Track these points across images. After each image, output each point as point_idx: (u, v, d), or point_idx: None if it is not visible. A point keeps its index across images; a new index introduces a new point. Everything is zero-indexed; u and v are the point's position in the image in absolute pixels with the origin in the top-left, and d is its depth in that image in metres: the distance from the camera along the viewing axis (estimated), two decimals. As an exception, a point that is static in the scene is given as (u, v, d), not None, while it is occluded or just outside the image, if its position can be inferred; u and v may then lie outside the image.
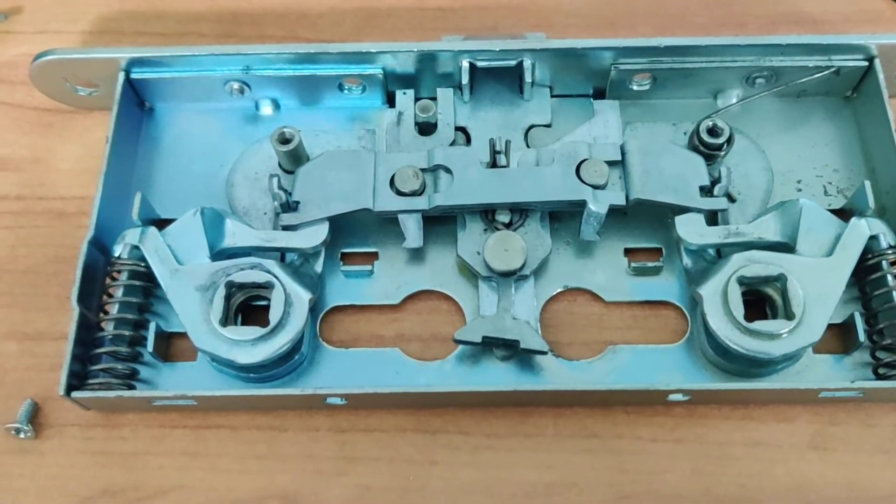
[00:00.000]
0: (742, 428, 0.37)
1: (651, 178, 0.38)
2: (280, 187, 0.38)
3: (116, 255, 0.38)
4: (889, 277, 0.37)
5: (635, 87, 0.42)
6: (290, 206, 0.39)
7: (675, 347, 0.38)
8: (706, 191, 0.38)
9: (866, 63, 0.41)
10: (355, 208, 0.38)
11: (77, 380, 0.36)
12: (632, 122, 0.42)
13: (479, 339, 0.36)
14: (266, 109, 0.44)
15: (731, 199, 0.39)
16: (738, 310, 0.35)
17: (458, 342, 0.37)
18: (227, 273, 0.37)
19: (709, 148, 0.39)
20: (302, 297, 0.36)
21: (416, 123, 0.42)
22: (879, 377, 0.36)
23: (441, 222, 0.40)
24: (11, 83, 0.46)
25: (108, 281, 0.39)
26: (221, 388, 0.37)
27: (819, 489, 0.36)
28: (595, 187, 0.38)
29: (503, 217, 0.38)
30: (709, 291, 0.36)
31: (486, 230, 0.39)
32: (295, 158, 0.40)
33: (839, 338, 0.38)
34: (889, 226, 0.37)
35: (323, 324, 0.39)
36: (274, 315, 0.36)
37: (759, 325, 0.35)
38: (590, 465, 0.36)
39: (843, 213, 0.39)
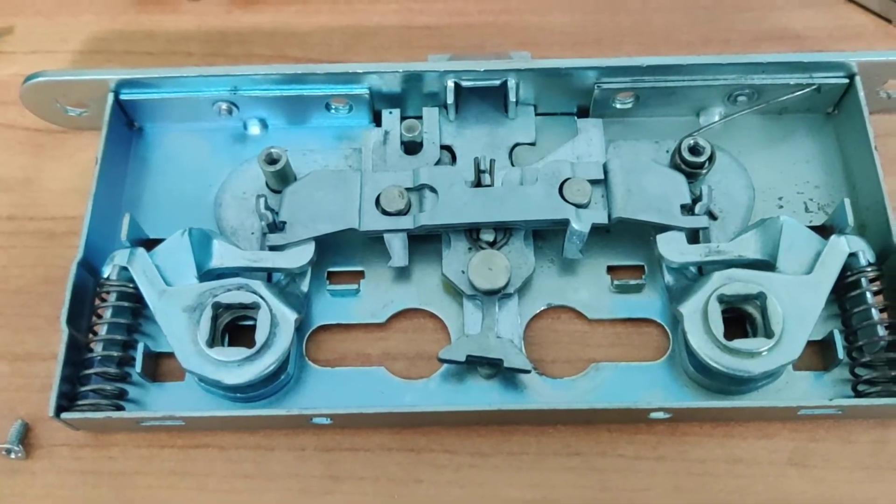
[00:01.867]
0: (723, 445, 0.37)
1: (633, 196, 0.38)
2: (267, 207, 0.39)
3: (105, 276, 0.38)
4: (868, 295, 0.37)
5: (618, 106, 0.43)
6: (277, 226, 0.39)
7: (657, 365, 0.38)
8: (687, 209, 0.39)
9: (847, 80, 0.41)
10: (341, 228, 0.38)
11: (66, 400, 0.37)
12: (615, 140, 0.43)
13: (463, 359, 0.37)
14: (254, 129, 0.44)
15: (713, 217, 0.40)
16: (718, 328, 0.35)
17: (443, 361, 0.37)
18: (213, 294, 0.37)
19: (690, 166, 0.39)
20: (288, 317, 0.37)
21: (402, 142, 0.42)
22: (858, 394, 0.37)
23: (426, 241, 0.40)
24: (3, 103, 0.47)
25: (97, 302, 0.39)
26: (209, 408, 0.38)
27: (800, 505, 0.36)
28: (578, 206, 0.38)
29: (487, 236, 0.39)
30: (689, 309, 0.36)
31: (470, 249, 0.39)
32: (282, 178, 0.40)
33: (819, 355, 0.39)
34: (868, 243, 0.38)
35: (309, 343, 0.39)
36: (260, 336, 0.36)
37: (738, 343, 0.35)
38: (573, 482, 0.37)
39: (824, 230, 0.39)
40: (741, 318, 0.38)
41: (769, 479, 0.37)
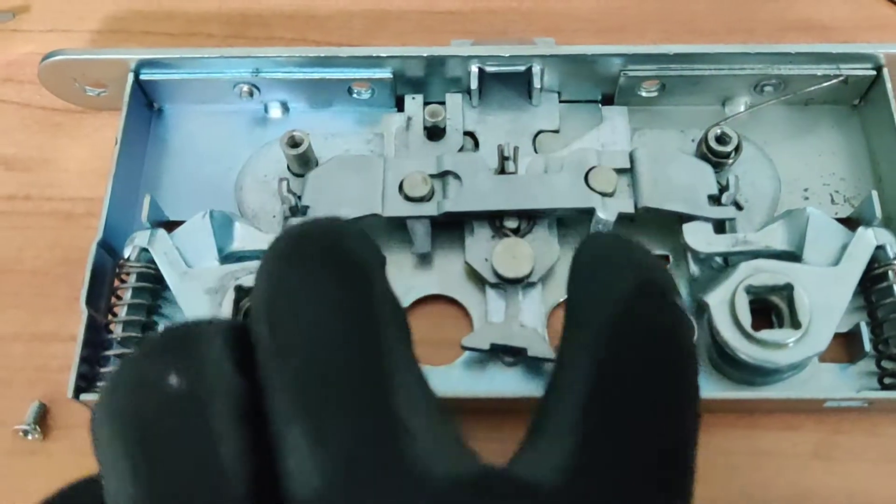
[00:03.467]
0: (747, 436, 0.37)
1: (660, 186, 0.38)
2: (289, 191, 0.38)
3: (125, 256, 0.38)
4: (895, 287, 0.37)
5: (644, 94, 0.42)
6: (299, 210, 0.39)
7: (681, 355, 0.38)
8: (714, 199, 0.38)
9: (874, 72, 0.41)
10: (364, 213, 0.38)
11: (85, 382, 0.37)
12: (640, 129, 0.42)
13: (486, 346, 0.36)
14: (275, 112, 0.44)
15: (739, 207, 0.39)
16: (746, 319, 0.35)
17: (466, 349, 0.37)
18: (235, 277, 0.37)
19: (717, 156, 0.39)
20: (310, 301, 0.36)
21: (425, 128, 0.42)
22: (885, 387, 0.37)
23: (449, 228, 0.40)
24: (19, 82, 0.46)
25: (116, 283, 0.39)
26: (229, 391, 0.37)
27: (823, 499, 0.36)
28: (603, 195, 0.38)
29: (511, 223, 0.39)
30: (716, 300, 0.36)
31: (493, 236, 0.39)
32: (304, 162, 0.40)
33: (844, 347, 0.38)
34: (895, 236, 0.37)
35: (330, 328, 0.39)
36: (282, 320, 0.36)
37: (765, 334, 0.35)
38: (595, 471, 0.37)
39: (850, 222, 0.39)
40: (766, 310, 0.37)
41: (793, 471, 0.36)
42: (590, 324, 0.22)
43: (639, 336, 0.22)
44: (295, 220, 0.38)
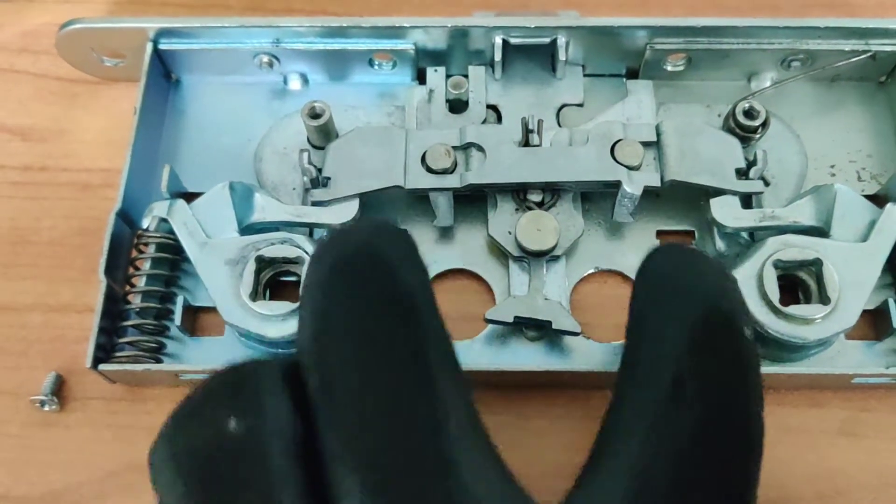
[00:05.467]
0: (773, 413, 0.36)
1: (687, 159, 0.37)
2: (310, 162, 0.38)
3: (144, 227, 0.38)
4: (924, 264, 0.36)
5: (669, 68, 0.42)
6: (319, 182, 0.38)
7: (706, 331, 0.38)
8: (742, 173, 0.38)
9: (903, 48, 0.41)
10: (387, 185, 0.38)
11: (103, 352, 0.36)
12: (665, 103, 0.42)
13: (510, 319, 0.36)
14: (294, 84, 0.43)
15: (766, 183, 0.39)
16: (774, 294, 0.35)
17: (490, 322, 0.36)
18: (256, 247, 0.36)
19: (745, 130, 0.39)
20: (332, 273, 0.36)
21: (447, 101, 0.41)
22: (912, 364, 0.36)
23: (471, 201, 0.39)
24: (35, 53, 0.46)
25: (134, 253, 0.38)
26: (249, 363, 0.37)
27: (849, 476, 0.36)
28: (630, 168, 0.37)
29: (535, 197, 0.38)
30: (744, 275, 0.35)
31: (517, 210, 0.38)
32: (324, 134, 0.40)
33: (871, 324, 0.38)
34: (924, 212, 0.37)
35: (351, 301, 0.39)
36: (304, 290, 0.35)
37: (794, 309, 0.35)
38: (620, 447, 0.36)
39: (877, 199, 0.39)
40: (793, 286, 0.37)
41: (819, 448, 0.36)
42: (650, 360, 0.22)
43: (701, 378, 0.21)
44: (317, 192, 0.38)
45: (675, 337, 0.22)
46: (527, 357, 0.37)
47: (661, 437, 0.20)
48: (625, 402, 0.22)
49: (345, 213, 0.38)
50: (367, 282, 0.21)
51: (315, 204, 0.38)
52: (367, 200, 0.38)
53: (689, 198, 0.39)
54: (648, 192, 0.38)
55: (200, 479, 0.19)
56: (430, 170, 0.38)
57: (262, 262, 0.36)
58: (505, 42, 0.41)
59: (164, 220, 0.37)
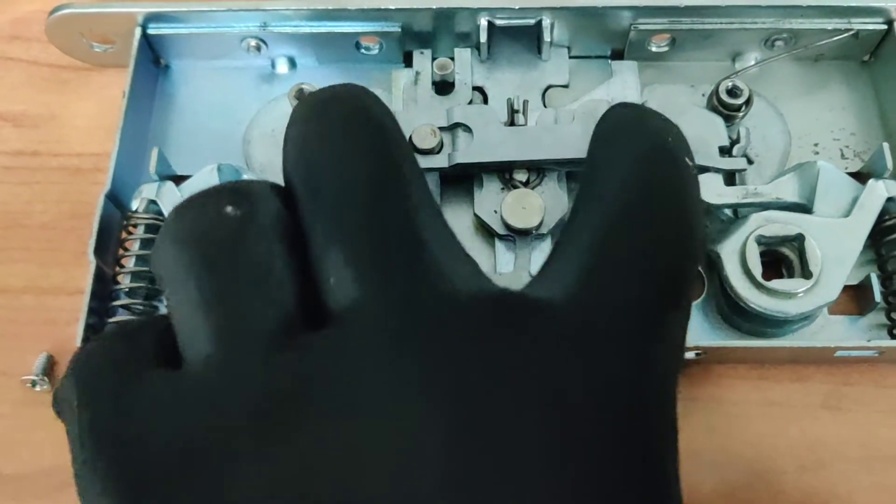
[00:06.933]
0: (757, 387, 0.37)
1: (670, 137, 0.38)
2: (297, 144, 0.38)
3: (133, 209, 0.38)
4: (906, 239, 0.37)
5: (654, 49, 0.42)
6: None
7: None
8: (725, 151, 0.38)
9: (885, 26, 0.41)
10: (373, 165, 0.38)
11: (93, 332, 0.36)
12: (650, 84, 0.42)
13: (496, 296, 0.36)
14: (282, 68, 0.43)
15: (749, 161, 0.39)
16: (757, 268, 0.35)
17: (476, 299, 0.37)
18: (244, 227, 0.37)
19: (728, 109, 0.39)
20: (320, 251, 0.36)
21: (434, 83, 0.41)
22: (894, 337, 0.37)
23: (458, 182, 0.40)
24: (27, 39, 0.46)
25: (123, 235, 0.39)
26: (238, 342, 0.37)
27: (832, 448, 0.36)
28: (614, 146, 0.38)
29: (521, 176, 0.38)
30: (727, 250, 0.36)
31: (503, 189, 0.38)
32: (312, 116, 0.40)
33: (854, 299, 0.38)
34: (906, 189, 0.37)
35: (339, 281, 0.39)
36: (292, 269, 0.36)
37: (776, 283, 0.35)
38: (605, 421, 0.37)
39: (861, 177, 0.39)
40: (776, 262, 0.37)
41: (803, 421, 0.36)
42: (603, 179, 0.25)
43: (648, 189, 0.24)
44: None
45: (625, 162, 0.25)
46: (513, 334, 0.37)
47: (607, 236, 0.23)
48: (577, 214, 0.25)
49: (332, 193, 0.38)
50: (345, 108, 0.24)
51: (302, 184, 0.38)
52: (355, 181, 0.38)
53: (673, 176, 0.39)
54: (633, 171, 0.38)
55: (203, 253, 0.21)
56: (416, 150, 0.38)
57: (250, 242, 0.37)
58: (490, 24, 0.41)
59: (153, 202, 0.38)
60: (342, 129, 0.23)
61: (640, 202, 0.23)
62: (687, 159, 0.26)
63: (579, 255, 0.23)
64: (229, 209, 0.21)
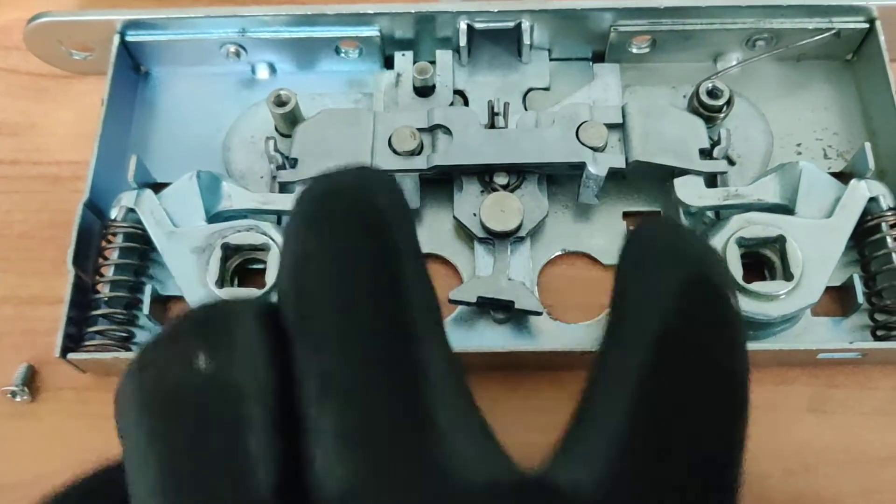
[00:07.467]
0: (740, 390, 0.37)
1: (651, 140, 0.38)
2: (276, 150, 0.38)
3: (112, 217, 0.38)
4: (888, 239, 0.36)
5: (634, 50, 0.42)
6: (286, 169, 0.38)
7: (673, 310, 0.38)
8: (706, 153, 0.38)
9: (867, 25, 0.41)
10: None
11: (73, 342, 0.36)
12: (631, 86, 0.42)
13: (473, 299, 0.36)
14: (262, 73, 0.43)
15: (731, 162, 0.39)
16: (737, 271, 0.35)
17: (453, 302, 0.36)
18: (223, 235, 0.36)
19: (709, 110, 0.39)
20: (298, 258, 0.36)
21: (414, 86, 0.41)
22: (878, 339, 0.36)
23: (438, 186, 0.40)
24: (6, 48, 0.46)
25: (103, 244, 0.38)
26: (218, 350, 0.37)
27: (818, 451, 0.36)
28: (595, 149, 0.37)
29: (501, 179, 0.38)
30: (707, 253, 0.36)
31: (483, 192, 0.38)
32: (291, 121, 0.40)
33: (838, 301, 0.38)
34: (889, 188, 0.37)
35: (320, 287, 0.39)
36: (270, 276, 0.36)
37: (757, 286, 0.35)
38: (587, 426, 0.36)
39: (843, 177, 0.39)
40: (758, 264, 0.37)
41: (787, 425, 0.36)
42: (634, 321, 0.21)
43: (687, 339, 0.20)
44: (284, 174, 0.38)
45: (660, 298, 0.21)
46: (493, 339, 0.37)
47: (644, 402, 0.19)
48: (606, 365, 0.21)
49: (311, 199, 0.38)
50: (347, 211, 0.20)
51: (282, 186, 0.38)
52: (335, 187, 0.38)
53: (654, 178, 0.39)
54: (615, 174, 0.38)
55: (166, 420, 0.18)
56: (396, 152, 0.38)
57: (229, 250, 0.37)
58: (470, 27, 0.41)
59: (132, 210, 0.38)
60: (343, 250, 0.19)
61: (684, 359, 0.20)
62: (731, 296, 0.21)
63: (610, 426, 0.19)
64: (201, 361, 0.18)
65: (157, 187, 0.39)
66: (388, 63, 0.43)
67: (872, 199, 0.37)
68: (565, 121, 0.38)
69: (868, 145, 0.38)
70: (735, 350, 0.21)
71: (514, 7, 0.40)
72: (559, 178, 0.40)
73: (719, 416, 0.20)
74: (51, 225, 0.41)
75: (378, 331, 0.18)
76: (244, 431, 0.17)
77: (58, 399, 0.38)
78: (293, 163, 0.38)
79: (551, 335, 0.37)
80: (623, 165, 0.38)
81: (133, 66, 0.43)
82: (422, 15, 0.40)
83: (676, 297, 0.20)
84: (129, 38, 0.42)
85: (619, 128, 0.38)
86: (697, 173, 0.38)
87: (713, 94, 0.39)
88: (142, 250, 0.38)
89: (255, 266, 0.38)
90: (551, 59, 0.42)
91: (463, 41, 0.41)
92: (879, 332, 0.36)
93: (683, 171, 0.38)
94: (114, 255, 0.38)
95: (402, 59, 0.42)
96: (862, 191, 0.37)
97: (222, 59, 0.42)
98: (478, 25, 0.41)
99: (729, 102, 0.39)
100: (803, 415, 0.36)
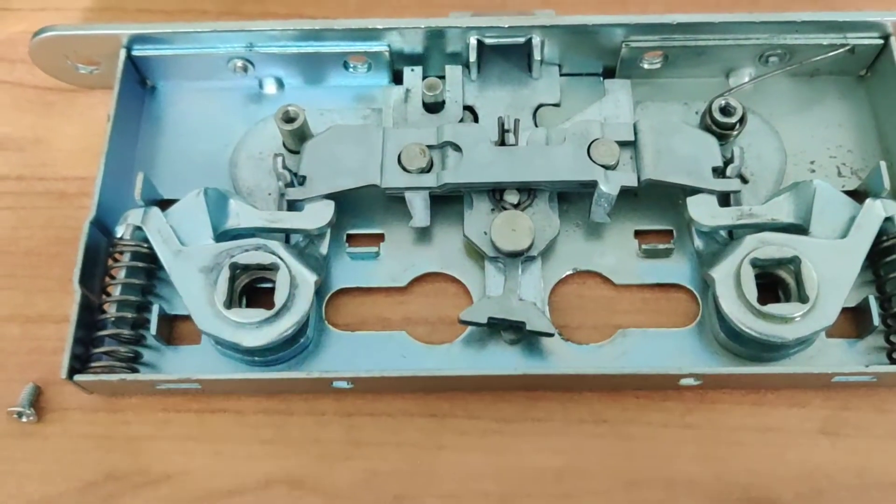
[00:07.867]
0: (754, 413, 0.36)
1: (663, 158, 0.37)
2: (284, 167, 0.38)
3: (119, 235, 0.37)
4: (905, 260, 0.36)
5: (646, 66, 0.41)
6: (294, 186, 0.38)
7: (685, 331, 0.37)
8: (719, 171, 0.37)
9: (882, 41, 0.40)
10: (363, 184, 0.37)
11: (79, 363, 0.36)
12: (642, 102, 0.41)
13: (484, 320, 0.36)
14: (270, 88, 0.43)
15: (744, 180, 0.38)
16: (752, 293, 0.34)
17: (464, 323, 0.36)
18: (231, 254, 0.36)
19: (721, 127, 0.38)
20: (307, 278, 0.36)
21: (424, 102, 0.41)
22: (893, 361, 0.36)
23: (447, 202, 0.39)
24: (11, 61, 0.46)
25: (110, 262, 0.38)
26: (226, 371, 0.37)
27: (831, 475, 0.35)
28: (606, 167, 0.37)
29: (511, 197, 0.38)
30: (721, 274, 0.35)
31: (493, 210, 0.38)
32: (299, 137, 0.39)
33: (853, 322, 0.38)
34: (904, 208, 0.37)
35: (328, 307, 0.38)
36: (279, 297, 0.35)
37: (772, 308, 0.34)
38: (599, 450, 0.36)
39: (857, 195, 0.38)
40: (773, 284, 0.37)
41: (801, 447, 0.36)
42: None
43: None
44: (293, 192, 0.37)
45: None
46: (505, 360, 0.37)
47: None
48: None
49: (320, 217, 0.37)
50: None
51: (290, 204, 0.38)
52: (344, 202, 0.38)
53: (667, 197, 0.39)
54: (627, 192, 0.38)
55: None
56: (405, 170, 0.38)
57: (237, 269, 0.36)
58: (480, 42, 0.40)
59: (138, 229, 0.37)
60: None
61: None
62: None
63: None
64: None
65: (165, 204, 0.38)
66: (397, 78, 0.42)
67: (888, 219, 0.36)
68: (576, 138, 0.38)
69: (883, 164, 0.37)
70: None
71: (525, 22, 0.40)
72: (570, 196, 0.39)
73: None
74: (57, 241, 0.41)
75: None
76: None
77: (64, 420, 0.37)
78: (302, 180, 0.37)
79: (563, 357, 0.37)
80: (635, 184, 0.37)
81: (139, 80, 0.43)
82: (431, 30, 0.40)
83: None
84: (135, 53, 0.41)
85: (631, 145, 0.38)
86: (710, 192, 0.37)
87: (726, 111, 0.38)
88: (149, 269, 0.38)
89: (263, 285, 0.37)
90: (562, 75, 0.42)
91: (473, 56, 0.40)
92: (895, 355, 0.36)
93: (696, 190, 0.37)
94: (121, 274, 0.37)
95: (412, 75, 0.41)
96: (878, 210, 0.36)
97: (229, 73, 0.42)
98: (488, 41, 0.40)
99: (742, 120, 0.38)
100: (817, 438, 0.36)
